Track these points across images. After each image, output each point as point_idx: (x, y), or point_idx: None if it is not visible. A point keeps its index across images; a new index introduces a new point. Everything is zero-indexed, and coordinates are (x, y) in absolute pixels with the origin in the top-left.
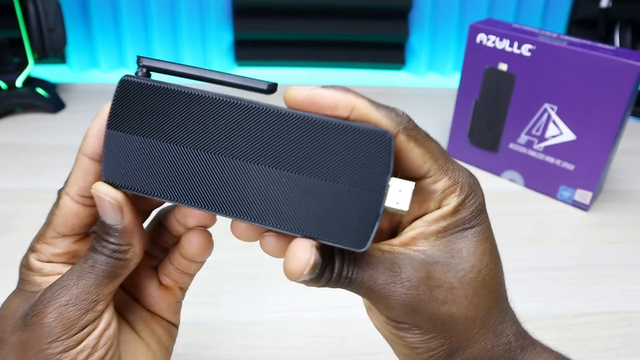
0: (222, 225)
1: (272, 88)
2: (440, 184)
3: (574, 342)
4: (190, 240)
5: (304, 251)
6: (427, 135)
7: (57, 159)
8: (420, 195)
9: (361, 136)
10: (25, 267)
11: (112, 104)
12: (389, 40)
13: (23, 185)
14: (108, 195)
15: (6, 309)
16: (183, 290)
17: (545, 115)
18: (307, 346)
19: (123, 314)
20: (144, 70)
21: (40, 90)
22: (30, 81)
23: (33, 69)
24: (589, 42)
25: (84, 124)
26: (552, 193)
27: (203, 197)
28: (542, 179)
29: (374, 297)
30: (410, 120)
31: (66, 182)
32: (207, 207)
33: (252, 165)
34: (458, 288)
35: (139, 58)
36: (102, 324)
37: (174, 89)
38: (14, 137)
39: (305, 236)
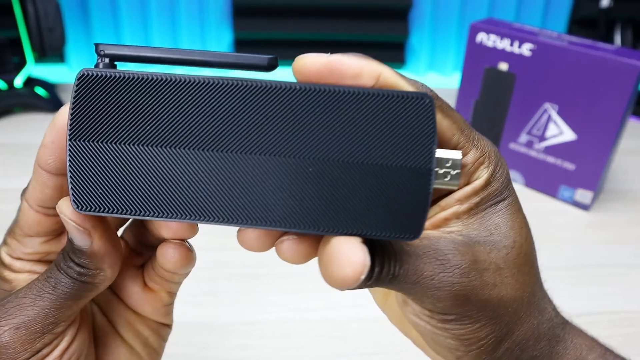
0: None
1: (272, 62)
2: (470, 156)
3: None
4: (164, 254)
5: (356, 252)
6: (449, 106)
7: None
8: None
9: (399, 104)
10: None
11: (71, 108)
12: (389, 40)
13: (23, 185)
14: (72, 220)
15: None
16: (171, 294)
17: (546, 115)
18: (307, 346)
19: (106, 314)
20: (106, 60)
21: (39, 90)
22: (30, 81)
23: (32, 69)
24: (589, 42)
25: None
26: (552, 193)
27: (204, 207)
28: (542, 178)
29: (420, 292)
30: (432, 90)
31: (26, 189)
32: (209, 218)
33: (267, 158)
34: (504, 268)
35: (97, 46)
36: (63, 343)
37: (149, 77)
38: (14, 137)
39: (344, 234)
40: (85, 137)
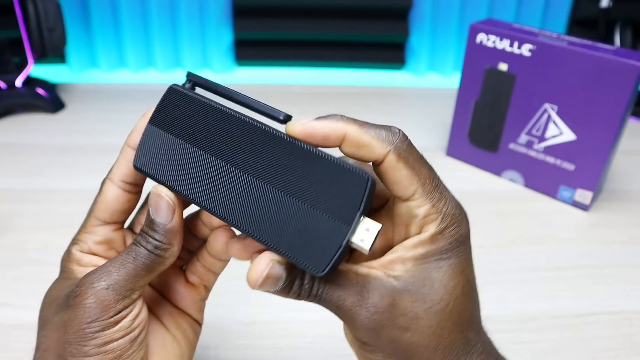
0: None
1: (287, 119)
2: (422, 209)
3: (574, 342)
4: (216, 237)
5: (261, 264)
6: (420, 159)
7: (57, 159)
8: (403, 218)
9: (342, 172)
10: (66, 259)
11: (158, 105)
12: (389, 40)
13: (23, 185)
14: (167, 195)
15: (49, 296)
16: (207, 288)
17: (546, 115)
18: (307, 346)
19: (152, 309)
20: (190, 84)
21: (40, 90)
22: (30, 81)
23: (33, 69)
24: (589, 42)
25: (84, 124)
26: (552, 193)
27: (211, 200)
28: (542, 179)
29: (341, 316)
30: (405, 140)
31: (110, 171)
32: (211, 209)
33: (253, 180)
34: (423, 318)
35: (188, 73)
36: (135, 309)
37: (209, 104)
38: (14, 137)
39: (276, 250)
40: (158, 124)
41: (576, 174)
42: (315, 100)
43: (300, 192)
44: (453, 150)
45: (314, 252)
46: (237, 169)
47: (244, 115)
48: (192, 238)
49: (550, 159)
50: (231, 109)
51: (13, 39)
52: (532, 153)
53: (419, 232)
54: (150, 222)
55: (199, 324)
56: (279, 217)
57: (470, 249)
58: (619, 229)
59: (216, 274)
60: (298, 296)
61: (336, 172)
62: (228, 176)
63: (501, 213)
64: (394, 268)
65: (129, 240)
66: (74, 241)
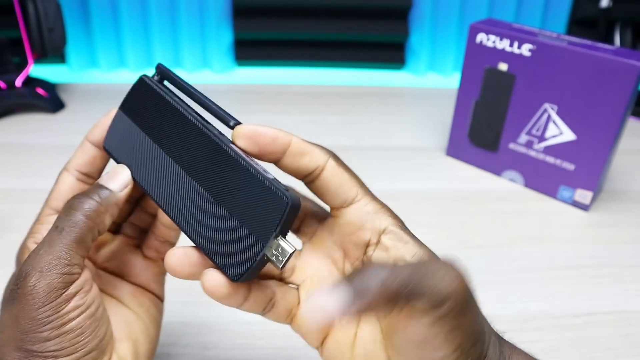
0: None
1: (236, 125)
2: (371, 206)
3: (574, 342)
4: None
5: (217, 277)
6: (349, 168)
7: (57, 159)
8: (352, 225)
9: (269, 192)
10: (21, 253)
11: (128, 93)
12: (389, 40)
13: (23, 185)
14: (128, 173)
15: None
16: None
17: (545, 115)
18: (307, 346)
19: (111, 292)
20: (159, 76)
21: (40, 90)
22: (30, 81)
23: (33, 69)
24: (589, 42)
25: (84, 124)
26: (552, 193)
27: (160, 194)
28: (542, 179)
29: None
30: (335, 154)
31: (67, 162)
32: (160, 204)
33: (195, 183)
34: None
35: (158, 65)
36: (85, 286)
37: (169, 102)
38: (14, 137)
39: (202, 251)
40: (126, 111)
41: (576, 174)
42: (315, 100)
43: (230, 204)
44: (453, 150)
45: (233, 259)
46: (183, 170)
47: (198, 119)
48: (144, 215)
49: (550, 159)
50: (189, 111)
51: (13, 39)
52: (532, 153)
53: (376, 240)
54: (96, 187)
55: (160, 299)
56: (210, 222)
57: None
58: (619, 229)
59: (172, 244)
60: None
61: (264, 190)
62: (175, 175)
63: (501, 213)
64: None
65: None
66: (29, 234)
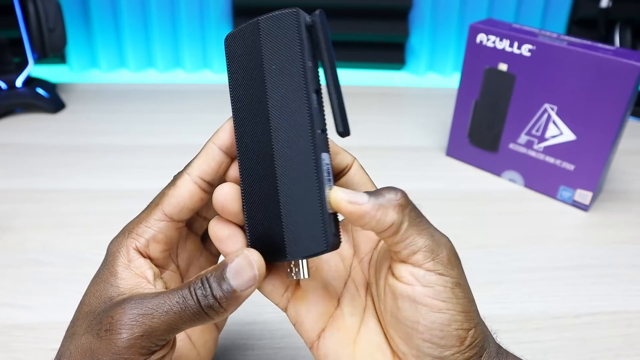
0: None
1: (343, 133)
2: (391, 194)
3: (574, 342)
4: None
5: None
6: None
7: (57, 159)
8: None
9: (318, 221)
10: (116, 252)
11: (274, 14)
12: (389, 40)
13: (23, 185)
14: (258, 266)
15: (88, 302)
16: None
17: (545, 115)
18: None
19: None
20: (311, 21)
21: (40, 90)
22: (30, 81)
23: (33, 69)
24: (589, 42)
25: (84, 124)
26: (552, 193)
27: (240, 130)
28: (542, 179)
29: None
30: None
31: (188, 165)
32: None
33: (273, 165)
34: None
35: (320, 11)
36: (165, 349)
37: (302, 59)
38: (14, 137)
39: (246, 225)
40: (262, 26)
41: (576, 174)
42: None
43: (286, 201)
44: (453, 151)
45: (266, 245)
46: (270, 130)
47: (313, 103)
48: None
49: (550, 159)
50: (311, 84)
51: (13, 39)
52: (532, 153)
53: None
54: (220, 279)
55: (219, 330)
56: (264, 202)
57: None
58: (619, 229)
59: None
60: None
61: (317, 219)
62: (259, 126)
63: (501, 213)
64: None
65: (190, 244)
66: (131, 232)
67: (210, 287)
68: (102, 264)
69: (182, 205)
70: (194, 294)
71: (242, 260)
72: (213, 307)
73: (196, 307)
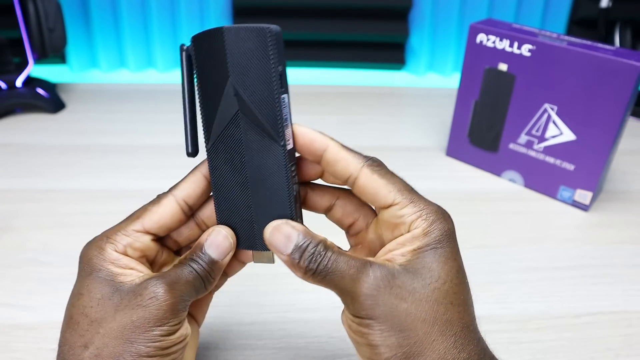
0: None
1: (193, 153)
2: (406, 210)
3: (574, 342)
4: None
5: (278, 220)
6: (391, 171)
7: (57, 159)
8: (390, 223)
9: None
10: (98, 256)
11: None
12: (389, 40)
13: (23, 185)
14: (230, 237)
15: (94, 291)
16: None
17: (545, 116)
18: (307, 346)
19: None
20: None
21: (40, 90)
22: (30, 81)
23: (33, 69)
24: (589, 42)
25: (84, 124)
26: (552, 193)
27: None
28: (542, 179)
29: (343, 286)
30: (377, 160)
31: (175, 187)
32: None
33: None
34: (420, 292)
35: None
36: (186, 321)
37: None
38: (14, 137)
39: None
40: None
41: (576, 174)
42: (315, 100)
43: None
44: (453, 150)
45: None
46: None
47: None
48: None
49: (550, 159)
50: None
51: (13, 39)
52: (532, 153)
53: (409, 230)
54: (201, 251)
55: (198, 325)
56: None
57: (457, 244)
58: (619, 229)
59: (227, 276)
60: (308, 265)
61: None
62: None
63: (501, 213)
64: (393, 259)
65: (164, 255)
66: (108, 239)
67: (198, 259)
68: (83, 269)
69: (162, 223)
70: (191, 266)
71: (215, 234)
72: (204, 276)
73: (195, 275)
